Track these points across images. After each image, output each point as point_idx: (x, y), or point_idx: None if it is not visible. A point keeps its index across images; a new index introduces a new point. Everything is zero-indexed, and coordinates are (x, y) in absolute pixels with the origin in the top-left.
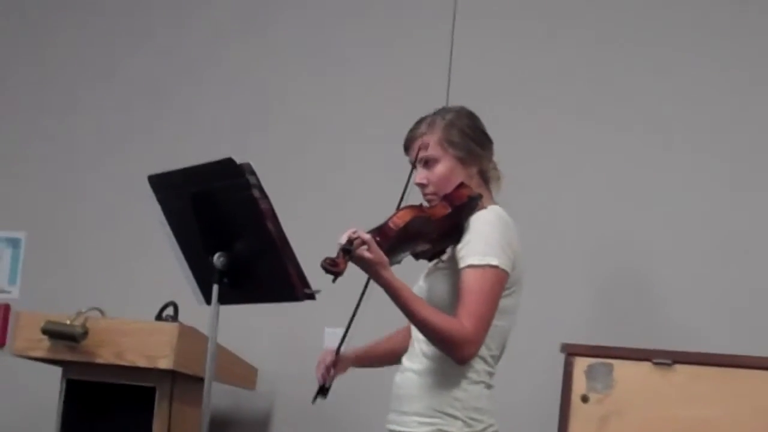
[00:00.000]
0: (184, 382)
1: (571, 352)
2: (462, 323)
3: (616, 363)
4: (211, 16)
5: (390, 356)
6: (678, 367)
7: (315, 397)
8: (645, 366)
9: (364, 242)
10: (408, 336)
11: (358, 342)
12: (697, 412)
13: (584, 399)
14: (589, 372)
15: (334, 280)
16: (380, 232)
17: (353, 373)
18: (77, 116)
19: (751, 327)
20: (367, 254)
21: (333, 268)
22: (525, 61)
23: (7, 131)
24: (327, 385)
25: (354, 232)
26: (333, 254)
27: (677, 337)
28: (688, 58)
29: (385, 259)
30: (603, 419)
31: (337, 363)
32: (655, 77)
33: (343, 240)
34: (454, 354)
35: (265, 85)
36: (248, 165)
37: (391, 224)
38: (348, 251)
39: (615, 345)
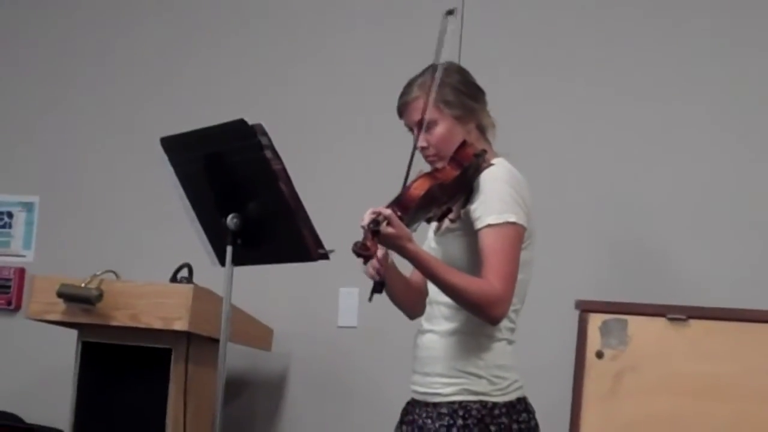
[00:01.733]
0: (199, 344)
1: (585, 308)
2: (491, 283)
3: (631, 319)
4: None
5: (411, 289)
6: (692, 322)
7: (371, 294)
8: (659, 321)
9: (386, 218)
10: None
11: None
12: (712, 367)
13: (599, 355)
14: (604, 328)
15: (365, 263)
16: (400, 205)
17: (368, 338)
18: (89, 82)
19: (766, 282)
20: (390, 230)
21: (365, 252)
22: (531, 25)
23: (20, 97)
24: (381, 279)
25: (375, 211)
26: (360, 230)
27: (691, 293)
28: (702, 22)
29: (408, 231)
30: (618, 375)
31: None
32: (665, 40)
33: (366, 220)
34: (488, 315)
35: (283, 47)
36: (260, 126)
37: (410, 195)
38: (377, 232)
39: (629, 301)
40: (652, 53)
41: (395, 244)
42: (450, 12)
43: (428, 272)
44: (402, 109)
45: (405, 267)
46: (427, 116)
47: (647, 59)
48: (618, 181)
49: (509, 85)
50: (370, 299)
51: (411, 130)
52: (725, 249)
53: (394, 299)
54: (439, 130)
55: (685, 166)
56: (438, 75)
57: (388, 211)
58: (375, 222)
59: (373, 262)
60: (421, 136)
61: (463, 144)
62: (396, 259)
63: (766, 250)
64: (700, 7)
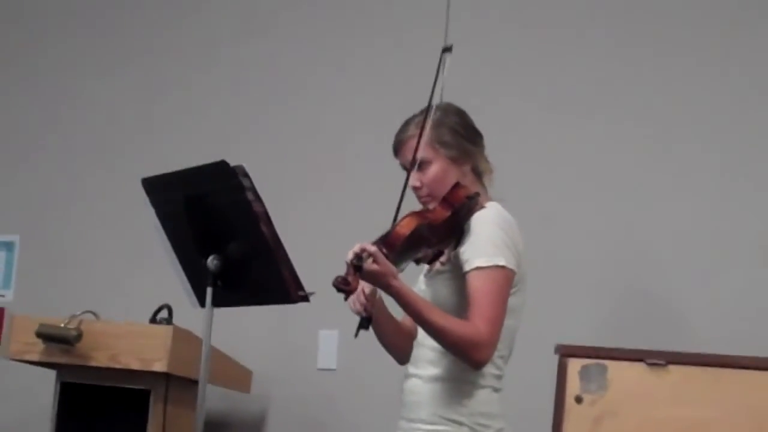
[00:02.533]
0: (178, 385)
1: (565, 353)
2: (477, 326)
3: (610, 364)
4: (206, 18)
5: (402, 332)
6: (672, 367)
7: (358, 330)
8: (639, 367)
9: (370, 255)
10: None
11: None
12: (692, 413)
13: (578, 400)
14: (583, 373)
15: (346, 298)
16: (385, 243)
17: (348, 380)
18: (71, 120)
19: (746, 327)
20: (375, 267)
21: (346, 287)
22: (525, 60)
23: (1, 134)
24: (367, 315)
25: (360, 247)
26: (341, 270)
27: (671, 338)
28: (697, 53)
29: (393, 269)
30: (597, 420)
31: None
32: (658, 75)
33: (350, 256)
34: (471, 358)
35: (260, 88)
36: (241, 167)
37: (396, 234)
38: (359, 267)
39: (609, 346)
40: (651, 93)
41: (379, 281)
42: (447, 49)
43: (412, 311)
44: (397, 147)
45: (398, 311)
46: (422, 155)
47: (643, 97)
48: (601, 226)
49: (494, 124)
50: (356, 335)
51: (405, 168)
52: (706, 294)
53: (383, 341)
54: (433, 170)
55: (669, 211)
56: (434, 114)
57: (373, 248)
58: (358, 257)
59: (360, 297)
60: (415, 175)
61: (456, 185)
62: (388, 302)
63: (746, 295)
64: (700, 38)
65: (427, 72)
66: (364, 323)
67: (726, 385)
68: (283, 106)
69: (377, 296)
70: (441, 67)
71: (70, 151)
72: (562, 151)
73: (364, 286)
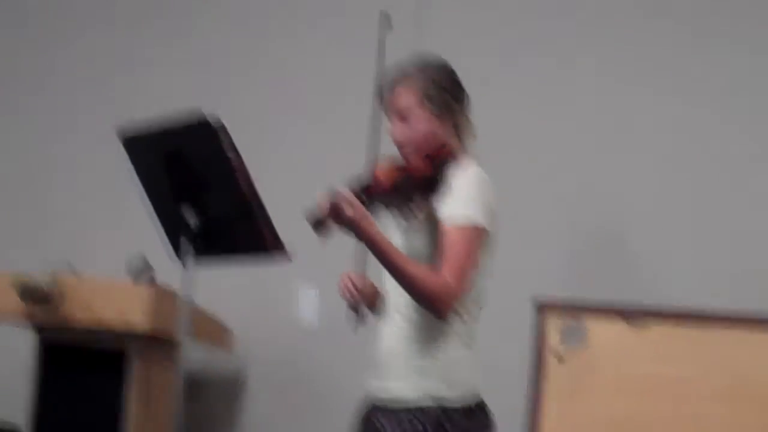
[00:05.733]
0: (158, 344)
1: (544, 309)
2: (444, 278)
3: (590, 320)
4: None
5: None
6: (651, 323)
7: (356, 326)
8: (618, 323)
9: (345, 199)
10: None
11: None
12: (670, 369)
13: (557, 356)
14: (563, 330)
15: (318, 233)
16: (364, 189)
17: (328, 338)
18: (48, 70)
19: (725, 284)
20: (350, 211)
21: (317, 220)
22: (500, 7)
23: None
24: (356, 305)
25: (335, 191)
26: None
27: (651, 294)
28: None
29: (365, 212)
30: (576, 377)
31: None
32: (644, 19)
33: (324, 196)
34: (436, 308)
35: (239, 36)
36: (218, 120)
37: (375, 181)
38: (334, 204)
39: (589, 299)
40: (629, 39)
41: (355, 226)
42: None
43: (382, 256)
44: (382, 96)
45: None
46: (406, 108)
47: (619, 47)
48: (580, 178)
49: (470, 75)
50: (355, 331)
51: (388, 118)
52: (686, 249)
53: (377, 313)
54: (416, 122)
55: (651, 165)
56: (422, 68)
57: (348, 192)
58: (333, 194)
59: (348, 287)
60: (397, 127)
61: (438, 140)
62: None
63: (727, 250)
64: None
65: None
66: (361, 319)
67: (705, 343)
68: (262, 56)
69: (367, 283)
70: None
71: (46, 100)
72: (539, 100)
73: (353, 279)
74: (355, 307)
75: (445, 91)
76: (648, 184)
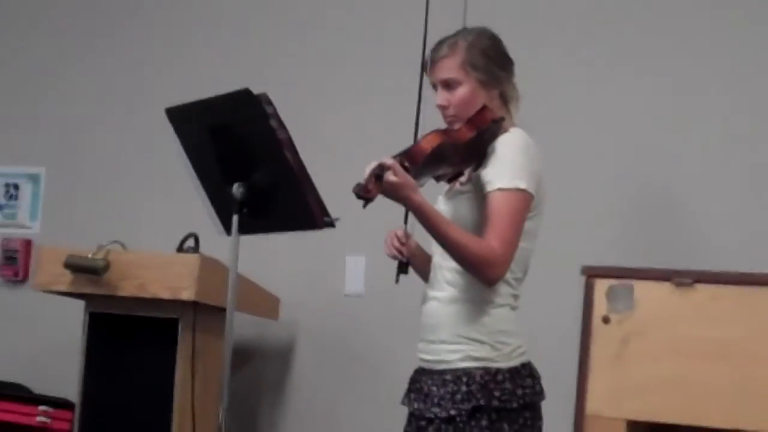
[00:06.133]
0: (206, 313)
1: (591, 274)
2: (491, 245)
3: (637, 284)
4: None
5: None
6: (699, 286)
7: (398, 275)
8: (665, 286)
9: (389, 168)
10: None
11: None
12: (718, 332)
13: (605, 320)
14: (610, 293)
15: (364, 206)
16: (408, 156)
17: (375, 306)
18: (96, 52)
19: None
20: (393, 178)
21: (365, 194)
22: None
23: (26, 67)
24: (405, 260)
25: (381, 161)
26: (361, 181)
27: (699, 257)
28: None
29: (413, 182)
30: (624, 340)
31: (408, 238)
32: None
33: (370, 168)
34: (484, 275)
35: (285, 16)
36: (265, 95)
37: (419, 148)
38: (380, 177)
39: (635, 266)
40: (679, 10)
41: (400, 194)
42: None
43: (429, 225)
44: (428, 66)
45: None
46: (452, 76)
47: (658, 19)
48: (627, 145)
49: (518, 52)
50: (397, 281)
51: (435, 87)
52: (733, 213)
53: (420, 275)
54: (462, 91)
55: (696, 129)
56: (468, 37)
57: (392, 161)
58: (380, 167)
59: (394, 241)
60: (443, 95)
61: (483, 108)
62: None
63: None
64: None
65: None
66: (403, 268)
67: (753, 304)
68: (305, 33)
69: (411, 238)
70: None
71: (95, 82)
72: (587, 66)
73: (396, 232)
74: (396, 257)
75: (491, 60)
76: (697, 147)
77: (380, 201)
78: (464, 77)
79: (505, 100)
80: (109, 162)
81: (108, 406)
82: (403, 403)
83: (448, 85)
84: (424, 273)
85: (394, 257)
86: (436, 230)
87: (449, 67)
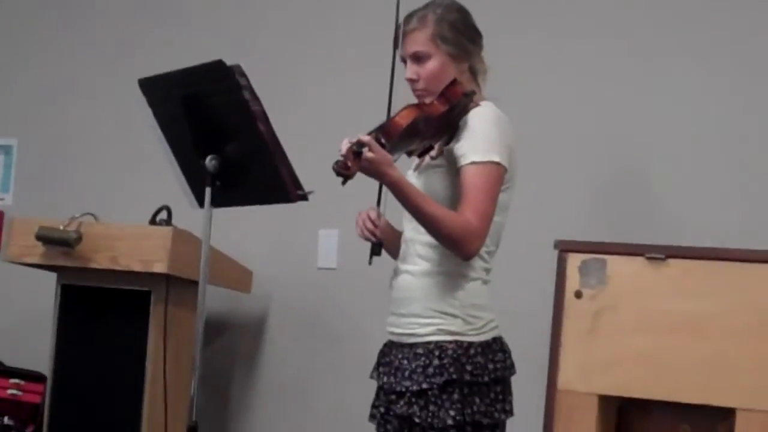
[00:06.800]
0: (178, 286)
1: (564, 248)
2: (467, 218)
3: (609, 258)
4: None
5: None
6: (671, 261)
7: (371, 257)
8: (638, 261)
9: (365, 144)
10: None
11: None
12: (690, 306)
13: (578, 295)
14: (583, 268)
15: (343, 183)
16: (384, 132)
17: (348, 280)
18: (68, 23)
19: (743, 220)
20: (371, 155)
21: (345, 171)
22: None
23: None
24: (378, 241)
25: (357, 138)
26: (339, 157)
27: (670, 232)
28: None
29: (389, 157)
30: (597, 314)
31: (382, 219)
32: None
33: (345, 145)
34: (461, 249)
35: None
36: (238, 67)
37: (394, 123)
38: (358, 153)
39: (608, 241)
40: None
41: (376, 170)
42: None
43: (406, 200)
44: (398, 40)
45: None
46: (422, 49)
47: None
48: (599, 120)
49: (491, 22)
50: (370, 262)
51: (404, 61)
52: (704, 188)
53: (393, 254)
54: (432, 64)
55: (668, 106)
56: (437, 10)
57: (368, 138)
58: (358, 143)
59: (367, 223)
60: (412, 68)
61: (454, 82)
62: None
63: (745, 188)
64: None
65: None
66: (376, 249)
67: (725, 278)
68: (281, 5)
69: (383, 218)
70: None
71: (67, 54)
72: (560, 42)
73: (369, 213)
74: (369, 239)
75: (460, 33)
76: (671, 125)
77: (357, 175)
78: (434, 50)
79: (473, 73)
80: (82, 134)
81: (80, 378)
82: (371, 377)
83: (418, 58)
84: (395, 250)
85: (367, 239)
86: (413, 205)
87: (419, 40)
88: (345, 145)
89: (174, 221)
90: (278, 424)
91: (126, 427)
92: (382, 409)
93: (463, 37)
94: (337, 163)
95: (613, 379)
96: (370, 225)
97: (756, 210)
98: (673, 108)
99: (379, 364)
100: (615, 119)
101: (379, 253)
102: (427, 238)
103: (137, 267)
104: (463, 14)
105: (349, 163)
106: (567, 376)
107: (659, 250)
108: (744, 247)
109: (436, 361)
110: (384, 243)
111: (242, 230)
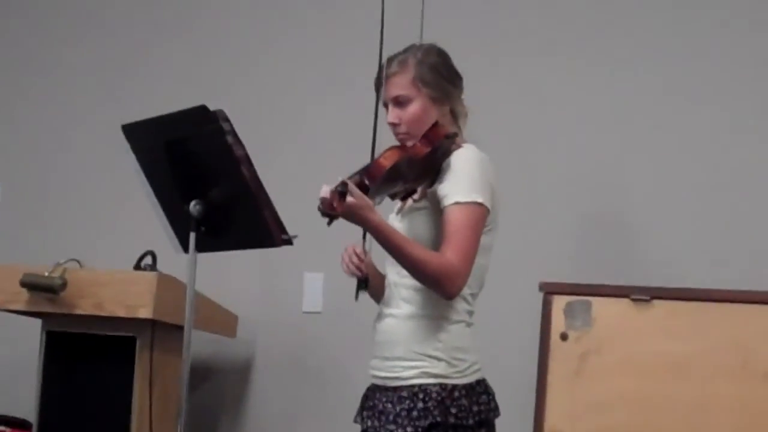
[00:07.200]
0: (164, 331)
1: (549, 290)
2: (449, 258)
3: (595, 300)
4: None
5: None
6: (656, 302)
7: (357, 292)
8: (623, 302)
9: (346, 188)
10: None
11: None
12: (676, 347)
13: (563, 337)
14: (568, 310)
15: (329, 223)
16: (367, 173)
17: (333, 323)
18: (54, 69)
19: (728, 262)
20: (351, 199)
21: (330, 210)
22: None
23: None
24: (364, 276)
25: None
26: (323, 197)
27: (655, 274)
28: None
29: (369, 201)
30: (582, 356)
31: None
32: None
33: (324, 192)
34: (443, 289)
35: (240, 34)
36: (221, 112)
37: (378, 165)
38: (343, 194)
39: (593, 282)
40: (627, 25)
41: (357, 214)
42: None
43: (387, 242)
44: (379, 84)
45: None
46: (404, 93)
47: (620, 32)
48: (583, 162)
49: (472, 64)
50: (357, 298)
51: (386, 106)
52: (690, 231)
53: (374, 296)
54: (413, 107)
55: (652, 146)
56: (417, 54)
57: (349, 182)
58: (343, 184)
59: (353, 258)
60: (394, 112)
61: (436, 124)
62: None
63: (729, 230)
64: None
65: (410, 13)
66: (362, 285)
67: (710, 319)
68: (263, 51)
69: (368, 255)
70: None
71: (52, 99)
72: (539, 89)
73: (355, 248)
74: (355, 274)
75: (441, 76)
76: (655, 165)
77: (340, 218)
78: (415, 94)
79: (455, 116)
80: (65, 179)
81: (66, 425)
82: (355, 421)
83: (400, 102)
84: (379, 294)
85: (353, 274)
86: (394, 247)
87: (400, 84)
88: (324, 192)
89: (159, 266)
90: None
91: None
92: None
93: (443, 80)
94: (322, 202)
95: (601, 420)
96: (356, 260)
97: (740, 251)
98: (658, 151)
99: (362, 408)
100: (599, 161)
101: (365, 288)
102: (411, 281)
103: (122, 313)
104: (444, 57)
105: (335, 203)
106: (553, 418)
107: (644, 292)
108: (729, 288)
109: (420, 405)
110: (370, 281)
111: (227, 274)
